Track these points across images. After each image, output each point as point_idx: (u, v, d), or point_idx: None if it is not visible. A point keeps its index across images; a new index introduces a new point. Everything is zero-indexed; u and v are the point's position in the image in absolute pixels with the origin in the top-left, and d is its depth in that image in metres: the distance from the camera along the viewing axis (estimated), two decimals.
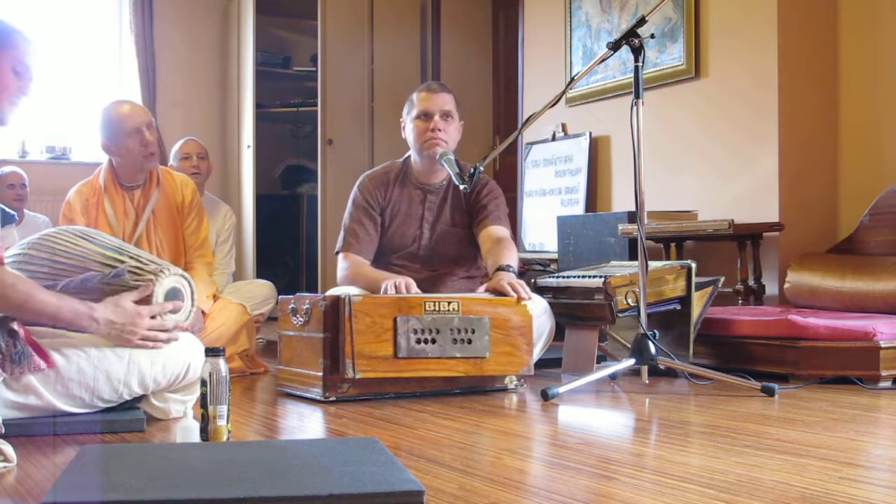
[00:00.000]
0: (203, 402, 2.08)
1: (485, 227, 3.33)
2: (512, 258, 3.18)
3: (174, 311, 2.40)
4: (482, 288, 3.08)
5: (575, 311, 3.38)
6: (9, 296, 2.12)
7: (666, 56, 4.73)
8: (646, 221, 3.18)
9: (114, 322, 2.27)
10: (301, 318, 2.94)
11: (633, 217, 3.86)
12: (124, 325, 2.29)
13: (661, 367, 2.97)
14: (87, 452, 1.80)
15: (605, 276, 3.24)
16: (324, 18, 6.18)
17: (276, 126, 6.92)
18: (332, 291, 3.16)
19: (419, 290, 3.03)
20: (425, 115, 3.32)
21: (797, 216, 4.21)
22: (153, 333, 2.34)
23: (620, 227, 4.22)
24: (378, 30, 6.46)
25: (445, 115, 3.33)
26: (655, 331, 2.98)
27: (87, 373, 2.25)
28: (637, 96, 2.92)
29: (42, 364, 2.18)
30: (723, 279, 3.54)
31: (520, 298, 2.98)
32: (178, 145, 4.74)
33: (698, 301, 3.35)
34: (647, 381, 2.99)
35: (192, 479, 1.57)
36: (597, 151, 5.22)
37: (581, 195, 5.20)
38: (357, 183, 3.47)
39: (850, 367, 3.09)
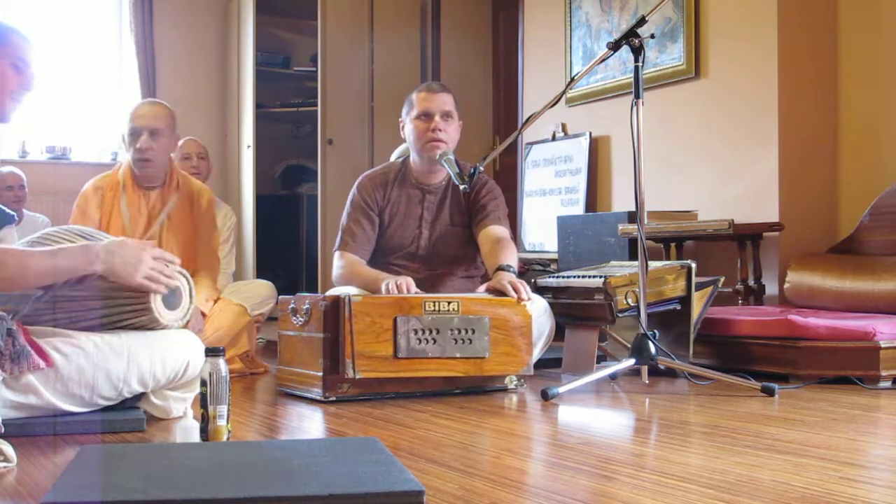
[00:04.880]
0: (203, 402, 2.08)
1: (484, 227, 3.33)
2: (512, 258, 3.18)
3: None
4: (482, 288, 3.08)
5: (575, 311, 3.38)
6: (2, 276, 2.11)
7: (666, 56, 4.73)
8: (646, 221, 3.18)
9: (115, 252, 2.23)
10: (301, 318, 2.94)
11: (633, 217, 3.86)
12: (127, 257, 2.23)
13: (661, 367, 2.97)
14: (87, 452, 1.80)
15: (605, 276, 3.24)
16: (324, 18, 6.17)
17: (276, 126, 6.91)
18: (332, 291, 3.16)
19: (419, 290, 3.03)
20: (426, 116, 3.32)
21: (797, 216, 4.21)
22: (156, 273, 2.28)
23: (620, 227, 4.22)
24: (378, 30, 6.45)
25: (446, 116, 3.32)
26: (655, 331, 2.98)
27: (86, 371, 2.25)
28: (637, 96, 2.92)
29: (41, 363, 2.18)
30: (723, 279, 3.54)
31: (520, 299, 2.98)
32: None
33: (698, 301, 3.35)
34: (647, 381, 2.99)
35: (192, 479, 1.57)
36: (597, 151, 5.21)
37: (581, 195, 5.20)
38: (356, 183, 3.47)
39: (850, 367, 3.09)
